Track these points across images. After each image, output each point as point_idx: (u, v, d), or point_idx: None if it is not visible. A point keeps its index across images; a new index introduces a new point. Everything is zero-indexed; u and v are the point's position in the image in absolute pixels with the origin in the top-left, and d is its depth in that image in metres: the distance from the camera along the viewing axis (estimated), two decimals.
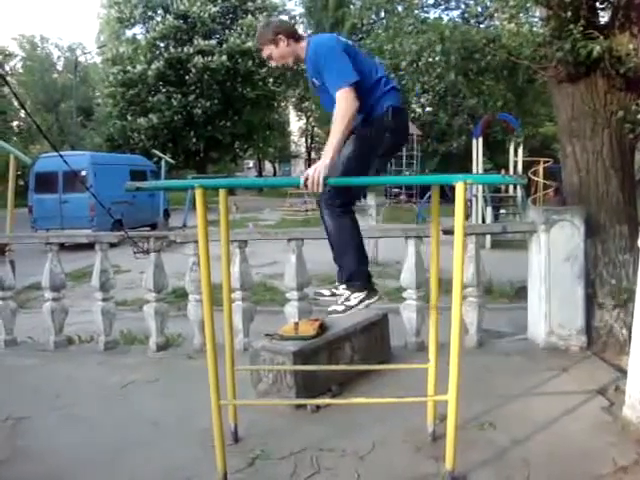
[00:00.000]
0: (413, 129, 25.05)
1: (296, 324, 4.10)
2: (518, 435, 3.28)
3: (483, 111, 9.10)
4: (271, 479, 2.96)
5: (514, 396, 3.83)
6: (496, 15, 5.77)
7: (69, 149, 28.75)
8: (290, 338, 3.83)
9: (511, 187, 14.75)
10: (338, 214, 2.91)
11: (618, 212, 4.79)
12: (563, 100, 4.96)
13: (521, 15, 5.07)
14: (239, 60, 28.88)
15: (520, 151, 14.37)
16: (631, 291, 4.53)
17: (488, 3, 6.29)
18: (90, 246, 5.36)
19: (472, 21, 6.28)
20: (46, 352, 5.05)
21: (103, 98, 31.55)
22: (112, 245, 5.24)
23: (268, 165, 55.20)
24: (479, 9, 6.39)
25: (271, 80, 30.42)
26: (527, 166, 15.24)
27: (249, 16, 30.32)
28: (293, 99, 39.13)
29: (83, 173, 13.42)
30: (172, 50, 28.80)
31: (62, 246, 5.40)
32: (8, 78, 32.54)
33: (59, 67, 47.26)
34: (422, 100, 30.76)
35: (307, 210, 20.48)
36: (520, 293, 6.57)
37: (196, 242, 4.23)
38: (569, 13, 4.34)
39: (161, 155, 18.00)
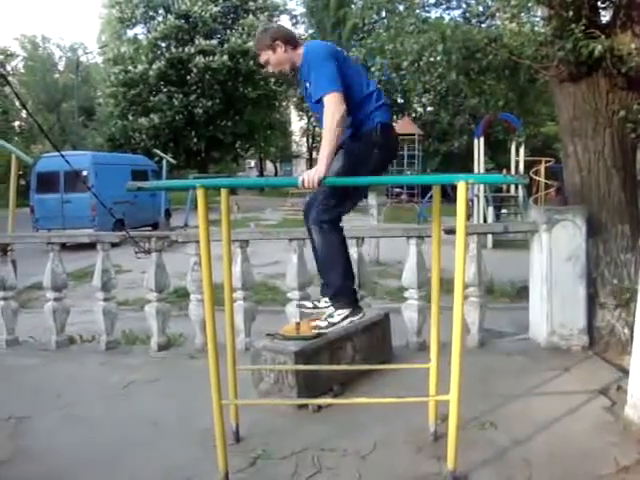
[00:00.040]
0: (414, 129, 25.10)
1: (297, 324, 4.09)
2: (519, 435, 3.28)
3: (484, 111, 9.08)
4: (272, 479, 2.96)
5: (515, 396, 3.82)
6: (497, 14, 5.77)
7: (70, 149, 28.75)
8: (292, 338, 3.82)
9: (513, 187, 14.74)
10: (326, 230, 2.92)
11: (620, 212, 4.78)
12: (565, 99, 4.95)
13: (522, 14, 5.07)
14: (240, 60, 28.89)
15: (522, 151, 14.37)
16: (633, 291, 4.52)
17: (489, 2, 6.29)
18: (91, 246, 5.36)
19: (473, 20, 6.28)
20: (48, 352, 5.06)
21: (104, 98, 31.55)
22: (113, 245, 5.25)
23: (269, 165, 55.19)
24: (480, 8, 6.38)
25: (272, 80, 30.41)
26: (529, 166, 15.24)
27: (250, 16, 30.36)
28: (294, 99, 39.06)
29: (84, 173, 13.42)
30: (173, 50, 28.84)
31: (63, 246, 5.41)
32: (10, 78, 32.55)
33: (60, 67, 47.33)
34: (423, 100, 30.85)
35: None
36: (522, 293, 6.57)
37: (197, 242, 4.23)
38: (571, 12, 4.33)
39: (162, 155, 18.01)
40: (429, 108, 32.99)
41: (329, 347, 3.93)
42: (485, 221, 12.60)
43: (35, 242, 6.49)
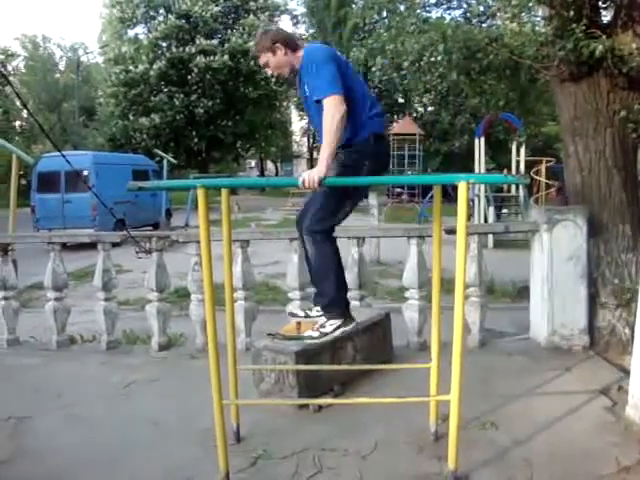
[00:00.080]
0: (415, 128, 25.10)
1: (298, 324, 4.08)
2: (520, 435, 3.28)
3: (485, 111, 9.08)
4: (273, 479, 2.96)
5: (516, 396, 3.82)
6: (498, 14, 5.78)
7: (71, 149, 28.78)
8: (292, 338, 3.81)
9: (513, 187, 14.73)
10: (319, 240, 2.92)
11: (621, 211, 4.78)
12: (565, 99, 4.95)
13: (523, 14, 5.07)
14: (241, 60, 28.89)
15: (522, 151, 14.37)
16: (634, 291, 4.52)
17: (490, 2, 6.30)
18: (92, 246, 5.37)
19: (474, 20, 6.28)
20: (48, 352, 5.06)
21: (105, 98, 31.53)
22: (114, 245, 5.25)
23: (270, 165, 55.22)
24: (481, 8, 6.39)
25: (273, 80, 30.38)
26: (529, 166, 15.24)
27: (251, 16, 30.36)
28: (295, 99, 39.08)
29: (85, 173, 13.41)
30: (174, 50, 28.85)
31: (64, 246, 5.41)
32: (11, 78, 32.56)
33: (61, 67, 47.35)
34: (424, 100, 30.87)
35: None
36: (522, 293, 6.57)
37: (198, 242, 4.24)
38: (571, 12, 4.33)
39: (163, 155, 18.01)
40: (430, 108, 33.01)
41: (330, 347, 3.93)
42: (486, 221, 12.59)
43: (36, 242, 6.50)
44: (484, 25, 6.26)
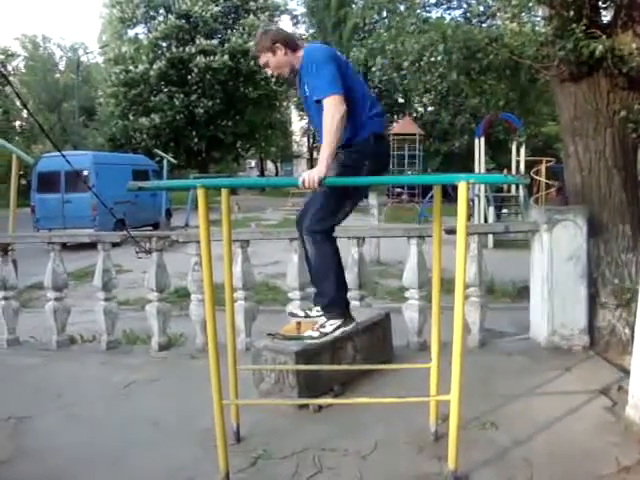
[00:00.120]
0: (415, 128, 25.11)
1: (298, 324, 4.08)
2: (520, 435, 3.28)
3: (485, 111, 9.08)
4: (273, 479, 2.96)
5: (516, 396, 3.82)
6: (498, 14, 5.78)
7: (71, 149, 28.79)
8: (292, 338, 3.81)
9: (513, 187, 14.73)
10: (319, 240, 2.92)
11: (621, 211, 4.78)
12: (565, 99, 4.95)
13: (523, 14, 5.07)
14: (241, 60, 28.89)
15: (522, 151, 14.37)
16: (634, 291, 4.52)
17: (490, 2, 6.30)
18: (92, 246, 5.37)
19: (474, 20, 6.28)
20: (48, 352, 5.06)
21: (105, 98, 31.53)
22: (114, 245, 5.25)
23: (270, 165, 55.21)
24: (481, 8, 6.39)
25: (273, 80, 30.38)
26: (529, 166, 15.24)
27: (251, 16, 30.37)
28: (295, 99, 39.08)
29: (85, 173, 13.42)
30: (174, 50, 28.85)
31: (64, 246, 5.41)
32: (11, 78, 32.56)
33: (61, 67, 47.35)
34: (424, 100, 30.86)
35: None
36: (522, 293, 6.57)
37: (198, 242, 4.24)
38: (571, 12, 4.33)
39: (163, 155, 18.01)
40: (430, 108, 33.01)
41: (330, 347, 3.93)
42: (486, 221, 12.59)
43: (36, 242, 6.50)
44: (484, 25, 6.26)
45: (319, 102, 2.75)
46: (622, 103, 4.65)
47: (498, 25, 5.75)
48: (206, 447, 3.09)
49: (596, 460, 3.01)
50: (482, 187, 12.92)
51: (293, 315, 3.32)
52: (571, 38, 4.31)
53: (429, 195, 14.02)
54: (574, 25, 4.28)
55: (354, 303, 4.92)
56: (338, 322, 2.96)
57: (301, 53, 2.92)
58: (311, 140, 44.88)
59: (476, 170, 13.76)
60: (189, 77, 28.71)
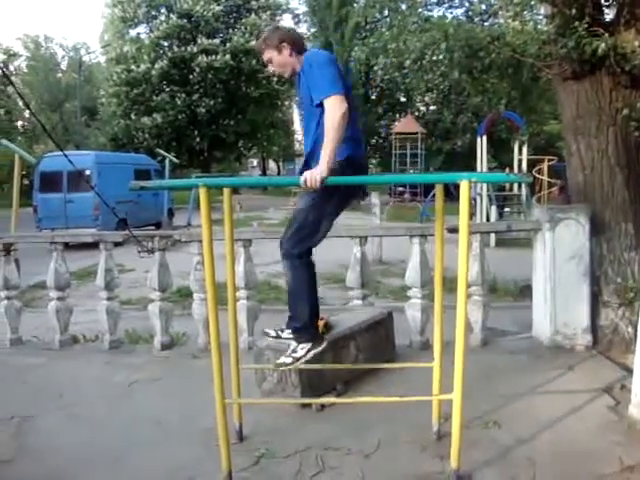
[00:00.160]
0: (417, 127, 25.10)
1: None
2: (523, 434, 3.27)
3: (487, 109, 9.07)
4: (276, 478, 2.96)
5: (519, 395, 3.82)
6: (500, 13, 5.77)
7: (73, 148, 28.87)
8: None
9: (516, 185, 14.72)
10: (297, 265, 2.95)
11: (623, 210, 4.77)
12: (568, 98, 4.94)
13: (525, 13, 5.06)
14: (243, 59, 28.91)
15: (525, 149, 14.35)
16: (637, 289, 4.52)
17: (492, 1, 6.29)
18: (95, 245, 5.37)
19: (476, 19, 6.28)
20: (51, 351, 5.07)
21: (107, 97, 31.56)
22: (117, 244, 5.26)
23: (272, 164, 55.24)
24: (483, 7, 6.39)
25: (275, 79, 30.41)
26: (532, 164, 15.20)
27: (253, 15, 30.40)
28: (297, 98, 39.12)
29: (88, 172, 13.45)
30: (176, 49, 28.88)
31: (67, 245, 5.42)
32: (13, 78, 32.63)
33: (63, 67, 47.41)
34: (426, 98, 30.87)
35: None
36: (525, 292, 6.56)
37: (200, 241, 4.23)
38: (574, 10, 4.32)
39: (165, 154, 18.01)
40: (432, 107, 33.00)
41: (332, 346, 3.92)
42: (488, 220, 12.58)
43: (38, 242, 6.50)
44: (486, 23, 6.25)
45: (319, 106, 2.76)
46: (625, 101, 4.64)
47: (500, 23, 5.74)
48: (208, 446, 3.09)
49: (599, 459, 3.01)
50: (484, 186, 12.92)
51: (266, 334, 3.35)
52: (573, 36, 4.30)
53: (431, 194, 14.01)
54: (576, 23, 4.27)
55: (356, 302, 4.93)
56: (308, 345, 3.00)
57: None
58: None
59: (478, 169, 13.74)
60: (191, 76, 28.74)
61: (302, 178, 2.66)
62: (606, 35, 4.25)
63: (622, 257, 4.75)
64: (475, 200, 13.19)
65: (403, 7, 6.12)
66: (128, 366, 4.64)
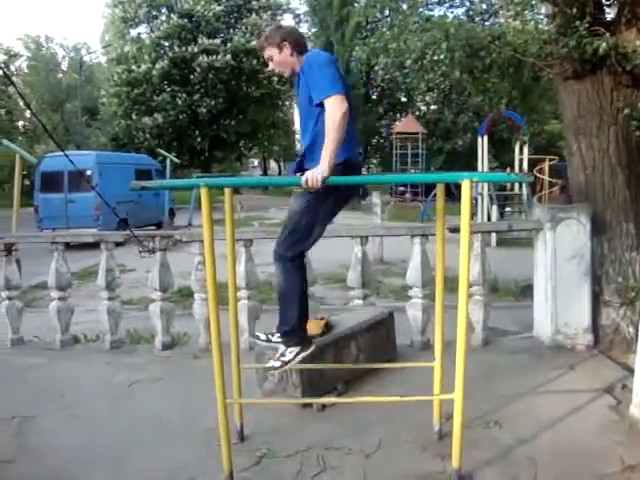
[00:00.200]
0: (418, 127, 25.09)
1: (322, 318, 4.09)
2: (524, 434, 3.27)
3: (488, 109, 9.06)
4: (277, 477, 2.96)
5: (520, 394, 3.82)
6: (501, 12, 5.76)
7: (74, 148, 28.84)
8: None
9: (517, 185, 14.71)
10: (289, 268, 2.96)
11: (625, 210, 4.76)
12: (569, 97, 4.94)
13: (526, 12, 5.05)
14: (243, 59, 28.89)
15: (525, 149, 14.33)
16: (638, 289, 4.52)
17: (493, 0, 6.27)
18: (96, 245, 5.37)
19: (477, 18, 6.26)
20: (52, 351, 5.07)
21: (108, 97, 31.55)
22: (118, 244, 5.26)
23: (273, 164, 55.23)
24: (484, 6, 6.37)
25: (275, 79, 30.39)
26: (533, 164, 15.20)
27: (253, 15, 30.38)
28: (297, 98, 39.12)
29: (88, 172, 13.45)
30: (176, 49, 28.86)
31: (68, 245, 5.42)
32: (14, 78, 32.65)
33: (64, 67, 47.42)
34: (427, 98, 30.84)
35: None
36: (526, 291, 6.56)
37: (201, 241, 4.24)
38: (575, 10, 4.32)
39: (166, 154, 18.03)
40: (433, 106, 32.96)
41: (333, 346, 3.93)
42: (489, 219, 12.57)
43: (39, 242, 6.50)
44: (487, 23, 6.23)
45: (319, 105, 2.76)
46: (626, 101, 4.64)
47: (501, 23, 5.73)
48: (210, 446, 3.10)
49: (600, 459, 3.01)
50: (485, 186, 12.92)
51: (256, 338, 3.35)
52: (574, 36, 4.29)
53: (432, 194, 14.01)
54: (577, 22, 4.26)
55: (357, 302, 4.93)
56: (297, 349, 3.00)
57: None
58: None
59: (479, 169, 13.74)
60: (192, 76, 28.72)
61: (303, 178, 2.65)
62: (607, 35, 4.25)
63: (623, 257, 4.75)
64: (476, 200, 13.18)
65: (404, 7, 6.11)
66: (129, 366, 4.64)
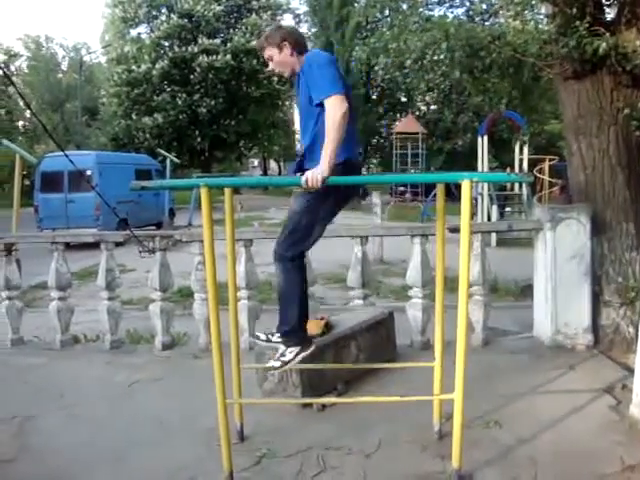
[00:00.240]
0: (418, 127, 25.09)
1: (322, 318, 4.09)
2: (524, 434, 3.27)
3: (488, 109, 9.06)
4: (277, 477, 2.96)
5: (520, 395, 3.82)
6: (501, 12, 5.76)
7: (74, 148, 28.84)
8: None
9: (517, 185, 14.71)
10: (289, 268, 2.96)
11: (625, 210, 4.77)
12: (569, 97, 4.94)
13: (526, 12, 5.05)
14: (243, 59, 28.89)
15: (525, 149, 14.34)
16: (638, 289, 4.52)
17: (493, 0, 6.27)
18: (96, 245, 5.37)
19: (477, 18, 6.26)
20: (52, 351, 5.07)
21: (108, 97, 31.55)
22: (118, 244, 5.26)
23: (273, 164, 55.24)
24: (484, 6, 6.37)
25: (275, 79, 30.38)
26: (533, 164, 15.20)
27: (253, 15, 30.38)
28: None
29: (88, 172, 13.45)
30: (176, 49, 28.86)
31: (68, 245, 5.42)
32: (14, 78, 32.65)
33: (64, 67, 47.42)
34: (427, 98, 30.84)
35: None
36: (526, 291, 6.56)
37: (201, 241, 4.24)
38: (575, 10, 4.32)
39: (166, 154, 18.03)
40: (433, 106, 32.96)
41: (333, 346, 3.93)
42: (489, 219, 12.57)
43: (39, 242, 6.50)
44: (487, 23, 6.23)
45: (319, 105, 2.76)
46: (626, 101, 4.64)
47: (501, 23, 5.73)
48: (210, 446, 3.10)
49: (600, 459, 3.01)
50: (485, 186, 12.92)
51: (257, 338, 3.34)
52: (574, 36, 4.29)
53: (432, 193, 14.01)
54: (577, 22, 4.26)
55: (357, 302, 4.93)
56: (297, 349, 3.00)
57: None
58: None
59: (479, 169, 13.74)
60: (192, 76, 28.72)
61: (303, 178, 2.65)
62: (607, 35, 4.25)
63: (623, 257, 4.75)
64: (476, 200, 13.18)
65: (404, 7, 6.11)
66: (129, 366, 4.64)
